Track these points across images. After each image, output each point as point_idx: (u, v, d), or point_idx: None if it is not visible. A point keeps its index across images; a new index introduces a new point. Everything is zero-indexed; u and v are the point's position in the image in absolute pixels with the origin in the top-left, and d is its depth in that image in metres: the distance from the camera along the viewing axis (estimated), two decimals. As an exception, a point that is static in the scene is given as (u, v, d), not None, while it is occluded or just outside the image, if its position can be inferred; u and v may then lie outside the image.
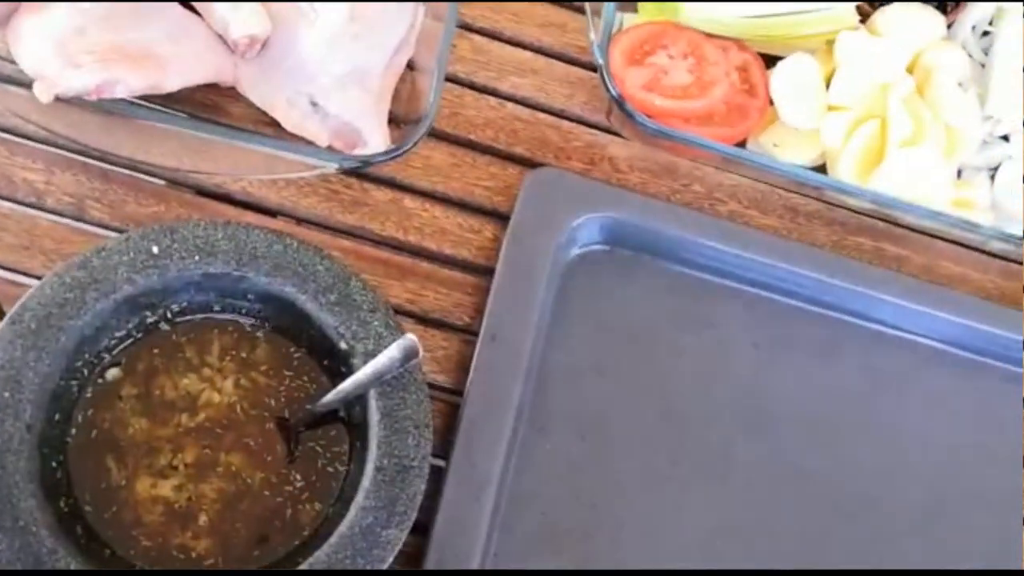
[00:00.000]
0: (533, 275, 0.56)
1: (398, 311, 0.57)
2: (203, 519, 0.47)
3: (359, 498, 0.45)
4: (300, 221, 0.57)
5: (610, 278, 0.60)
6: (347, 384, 0.47)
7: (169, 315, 0.49)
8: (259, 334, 0.50)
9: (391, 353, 0.45)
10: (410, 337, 0.45)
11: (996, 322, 0.64)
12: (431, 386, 0.56)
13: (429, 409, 0.47)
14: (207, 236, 0.47)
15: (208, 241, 0.47)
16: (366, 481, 0.46)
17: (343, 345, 0.47)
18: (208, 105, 0.56)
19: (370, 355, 0.46)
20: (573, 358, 0.58)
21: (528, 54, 0.63)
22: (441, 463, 0.52)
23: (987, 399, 0.63)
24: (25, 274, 0.53)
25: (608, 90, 0.57)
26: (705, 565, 0.56)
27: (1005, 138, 0.67)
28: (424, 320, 0.57)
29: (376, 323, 0.47)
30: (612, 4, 0.57)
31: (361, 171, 0.57)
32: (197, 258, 0.46)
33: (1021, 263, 0.67)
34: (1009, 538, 0.61)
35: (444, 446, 0.53)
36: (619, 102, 0.57)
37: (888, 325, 0.63)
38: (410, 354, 0.45)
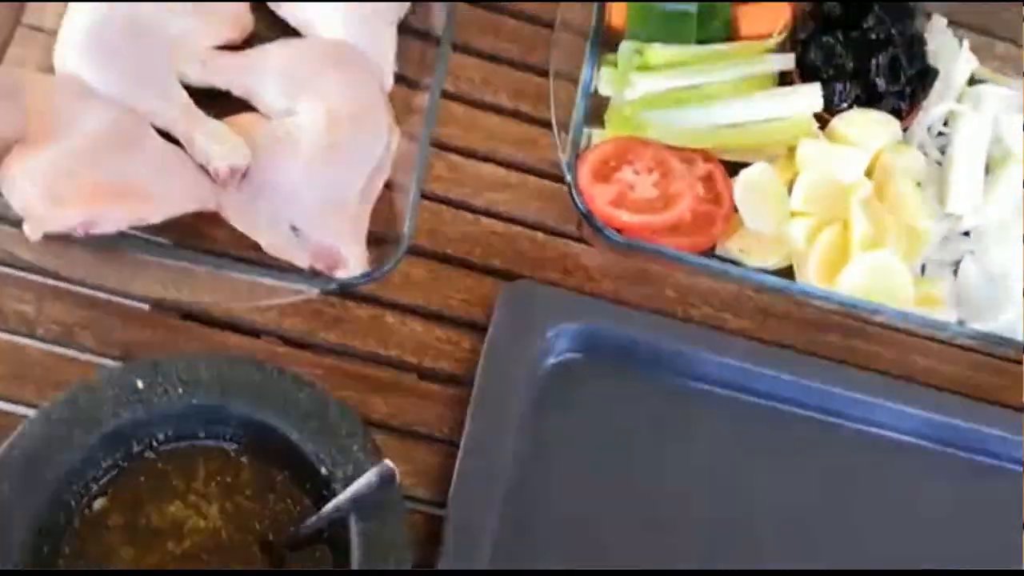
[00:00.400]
0: (512, 385, 0.58)
1: (380, 425, 0.59)
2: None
3: (341, 622, 0.46)
4: (283, 341, 0.59)
5: (588, 386, 0.61)
6: (327, 508, 0.48)
7: (154, 444, 0.50)
8: (243, 459, 0.51)
9: (369, 478, 0.47)
10: (387, 464, 0.47)
11: (968, 416, 0.65)
12: (413, 498, 0.58)
13: (406, 531, 0.48)
14: (190, 369, 0.48)
15: (191, 374, 0.48)
16: (347, 604, 0.47)
17: (324, 471, 0.49)
18: (192, 232, 0.58)
19: (349, 479, 0.48)
20: (555, 468, 0.59)
21: (502, 170, 0.65)
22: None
23: (964, 493, 0.64)
24: (17, 403, 0.55)
25: (577, 206, 0.59)
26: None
27: (966, 234, 0.69)
28: (406, 433, 0.59)
29: (355, 447, 0.49)
30: (580, 123, 0.60)
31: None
32: (181, 391, 0.48)
33: (990, 355, 0.68)
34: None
35: (427, 558, 0.54)
36: (587, 217, 0.59)
37: (863, 422, 0.64)
38: (387, 479, 0.46)
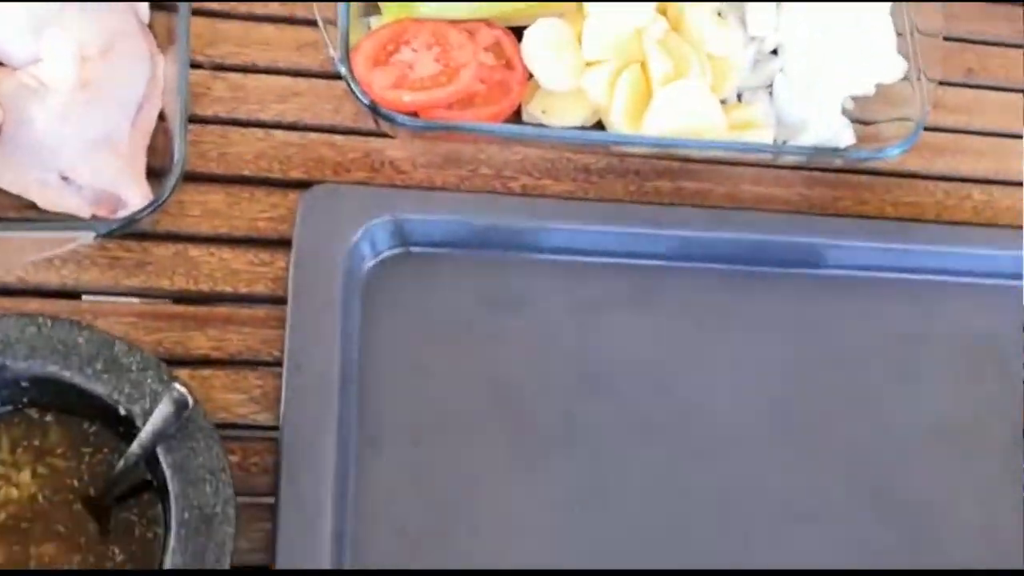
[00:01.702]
0: (327, 295, 0.56)
1: (205, 361, 0.57)
2: (26, 618, 0.46)
3: (167, 558, 0.45)
4: (84, 295, 0.56)
5: (413, 280, 0.60)
6: (133, 448, 0.46)
7: (-55, 423, 0.48)
8: (48, 418, 0.49)
9: (164, 409, 0.45)
10: (177, 388, 0.45)
11: (804, 231, 0.65)
12: (257, 427, 0.56)
13: (222, 454, 0.47)
14: (-46, 337, 0.46)
15: (-44, 342, 0.46)
16: (172, 539, 0.45)
17: (122, 410, 0.47)
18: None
19: (149, 414, 0.46)
20: (392, 367, 0.58)
21: (287, 79, 0.63)
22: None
23: (809, 309, 0.64)
24: None
25: (358, 98, 0.57)
26: (569, 535, 0.56)
27: (775, 52, 0.68)
28: (234, 363, 0.57)
29: (149, 381, 0.47)
30: (345, 13, 0.57)
31: (135, 232, 0.57)
32: (-48, 362, 0.46)
33: (823, 170, 0.68)
34: (867, 434, 0.62)
35: (277, 484, 0.53)
36: (373, 107, 0.57)
37: (698, 259, 0.63)
38: (181, 405, 0.45)
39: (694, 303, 0.63)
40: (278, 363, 0.57)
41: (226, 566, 0.45)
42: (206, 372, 0.56)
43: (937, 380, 0.65)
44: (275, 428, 0.55)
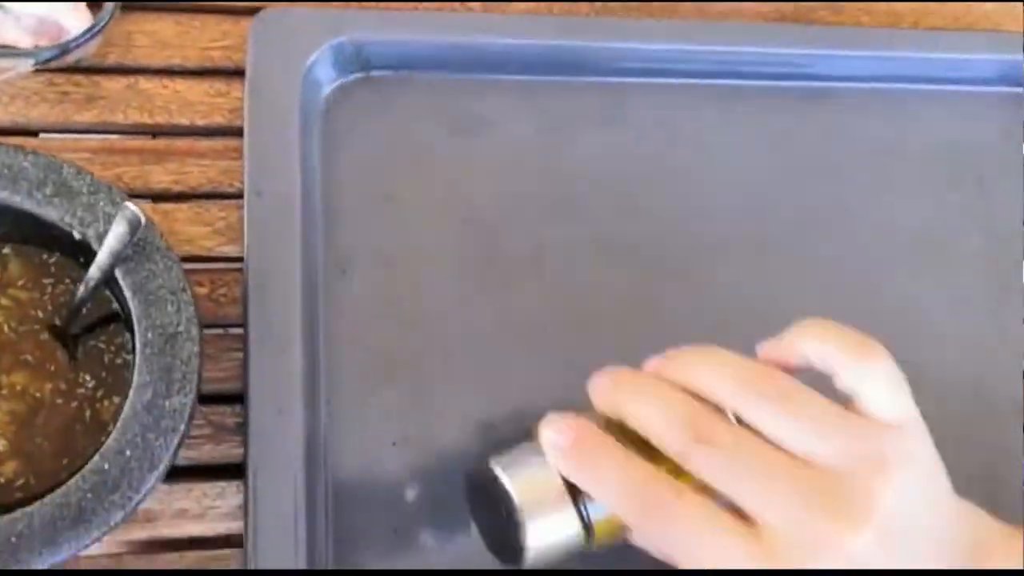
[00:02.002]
0: (284, 121, 0.55)
1: (166, 195, 0.56)
2: (1, 444, 0.46)
3: (134, 378, 0.45)
4: (36, 133, 0.55)
5: (375, 105, 0.58)
6: (92, 271, 0.46)
7: (-101, 262, 0.47)
8: (6, 251, 0.49)
9: (118, 229, 0.44)
10: (129, 207, 0.44)
11: (780, 42, 0.63)
12: (224, 259, 0.56)
13: (181, 274, 0.46)
14: None
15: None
16: (137, 358, 0.45)
17: (76, 235, 0.46)
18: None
19: (103, 237, 0.45)
20: (357, 193, 0.57)
21: (231, -101, 0.60)
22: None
23: (785, 122, 0.63)
24: None
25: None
26: (540, 353, 0.56)
27: None
28: (195, 196, 0.56)
29: (102, 204, 0.46)
30: None
31: (83, 66, 0.55)
32: None
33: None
34: (845, 245, 0.62)
35: (245, 313, 0.53)
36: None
37: (669, 75, 0.62)
38: (135, 224, 0.44)
39: (666, 120, 0.62)
40: (240, 195, 0.56)
41: (194, 383, 0.45)
42: (168, 206, 0.55)
43: (915, 190, 0.64)
44: (241, 260, 0.55)
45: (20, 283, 0.48)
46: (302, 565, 0.49)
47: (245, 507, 0.49)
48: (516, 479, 0.42)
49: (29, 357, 0.48)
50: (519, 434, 0.44)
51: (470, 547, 0.48)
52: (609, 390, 0.43)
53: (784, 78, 0.63)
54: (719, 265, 0.60)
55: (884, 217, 0.63)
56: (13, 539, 0.41)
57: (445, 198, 0.58)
